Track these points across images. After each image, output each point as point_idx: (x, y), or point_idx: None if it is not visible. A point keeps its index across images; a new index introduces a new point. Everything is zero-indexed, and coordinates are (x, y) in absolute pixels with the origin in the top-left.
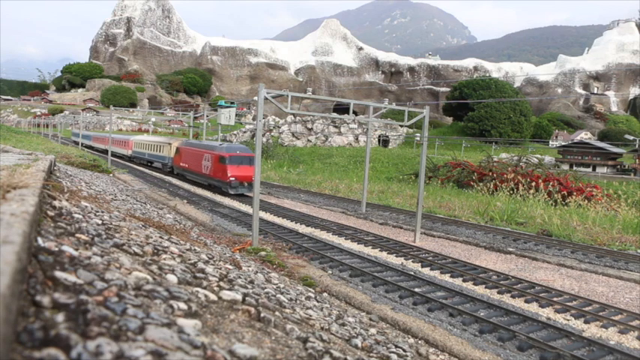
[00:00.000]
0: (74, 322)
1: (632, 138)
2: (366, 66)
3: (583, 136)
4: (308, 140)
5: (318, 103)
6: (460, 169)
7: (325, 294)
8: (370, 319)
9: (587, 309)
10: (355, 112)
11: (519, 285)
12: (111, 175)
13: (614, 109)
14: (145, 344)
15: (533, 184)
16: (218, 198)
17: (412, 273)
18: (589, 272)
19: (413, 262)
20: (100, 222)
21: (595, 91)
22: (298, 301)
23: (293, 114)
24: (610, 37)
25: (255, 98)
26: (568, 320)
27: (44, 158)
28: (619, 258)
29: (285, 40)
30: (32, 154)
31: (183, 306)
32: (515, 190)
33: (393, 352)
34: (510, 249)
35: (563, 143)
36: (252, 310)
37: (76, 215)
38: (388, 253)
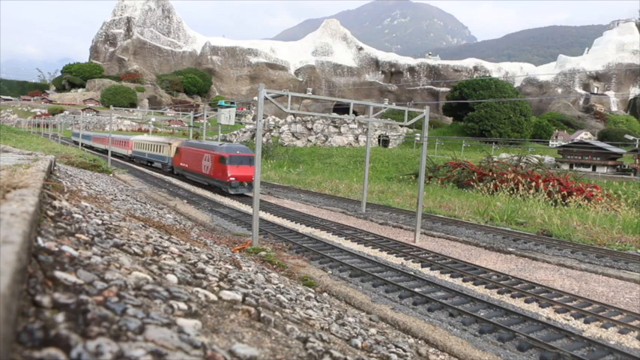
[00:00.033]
0: (74, 322)
1: (632, 138)
2: (366, 66)
3: (583, 136)
4: (308, 140)
5: (318, 103)
6: (460, 169)
7: (325, 294)
8: (370, 319)
9: (587, 309)
10: (355, 112)
11: (519, 285)
12: (111, 175)
13: (614, 109)
14: (145, 344)
15: (533, 184)
16: (218, 198)
17: (412, 273)
18: (589, 272)
19: (413, 262)
20: (100, 222)
21: (595, 91)
22: (298, 301)
23: (293, 114)
24: (610, 37)
25: (255, 98)
26: (568, 320)
27: (44, 158)
28: (619, 258)
29: (285, 40)
30: (32, 154)
31: (183, 306)
32: (515, 190)
33: (393, 352)
34: (510, 249)
35: (563, 143)
36: (252, 310)
37: (76, 215)
38: (388, 253)
